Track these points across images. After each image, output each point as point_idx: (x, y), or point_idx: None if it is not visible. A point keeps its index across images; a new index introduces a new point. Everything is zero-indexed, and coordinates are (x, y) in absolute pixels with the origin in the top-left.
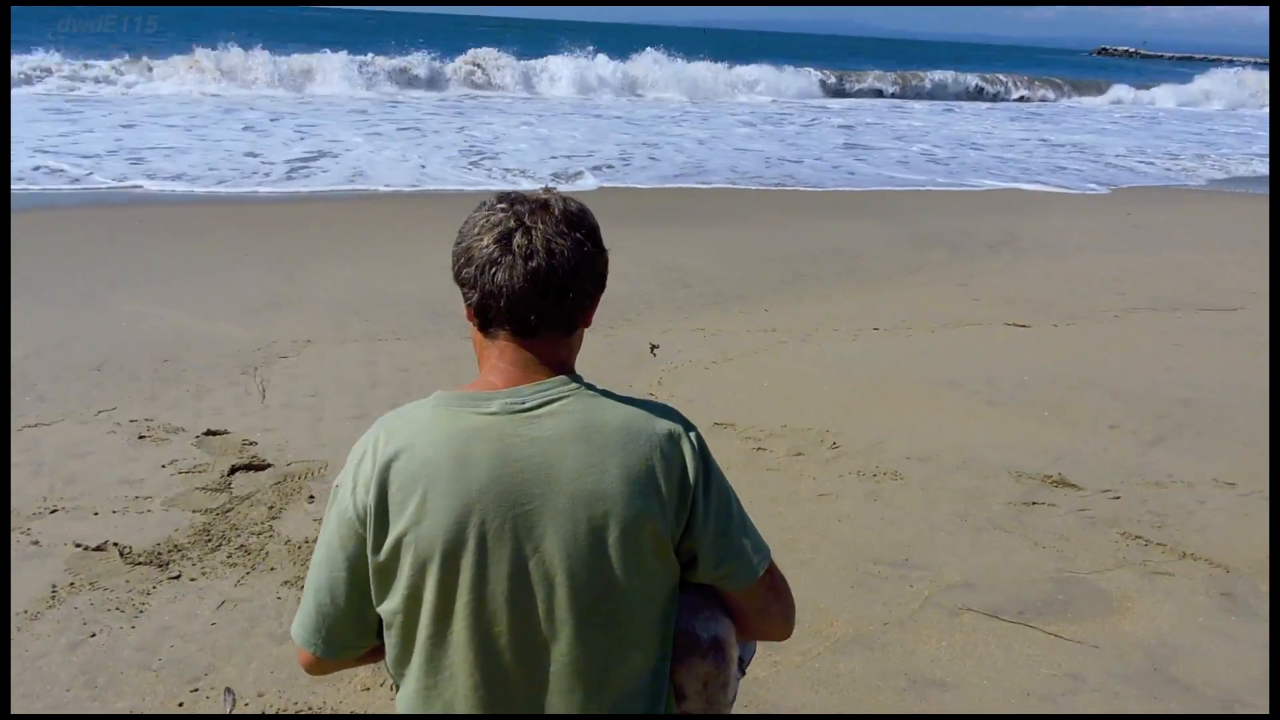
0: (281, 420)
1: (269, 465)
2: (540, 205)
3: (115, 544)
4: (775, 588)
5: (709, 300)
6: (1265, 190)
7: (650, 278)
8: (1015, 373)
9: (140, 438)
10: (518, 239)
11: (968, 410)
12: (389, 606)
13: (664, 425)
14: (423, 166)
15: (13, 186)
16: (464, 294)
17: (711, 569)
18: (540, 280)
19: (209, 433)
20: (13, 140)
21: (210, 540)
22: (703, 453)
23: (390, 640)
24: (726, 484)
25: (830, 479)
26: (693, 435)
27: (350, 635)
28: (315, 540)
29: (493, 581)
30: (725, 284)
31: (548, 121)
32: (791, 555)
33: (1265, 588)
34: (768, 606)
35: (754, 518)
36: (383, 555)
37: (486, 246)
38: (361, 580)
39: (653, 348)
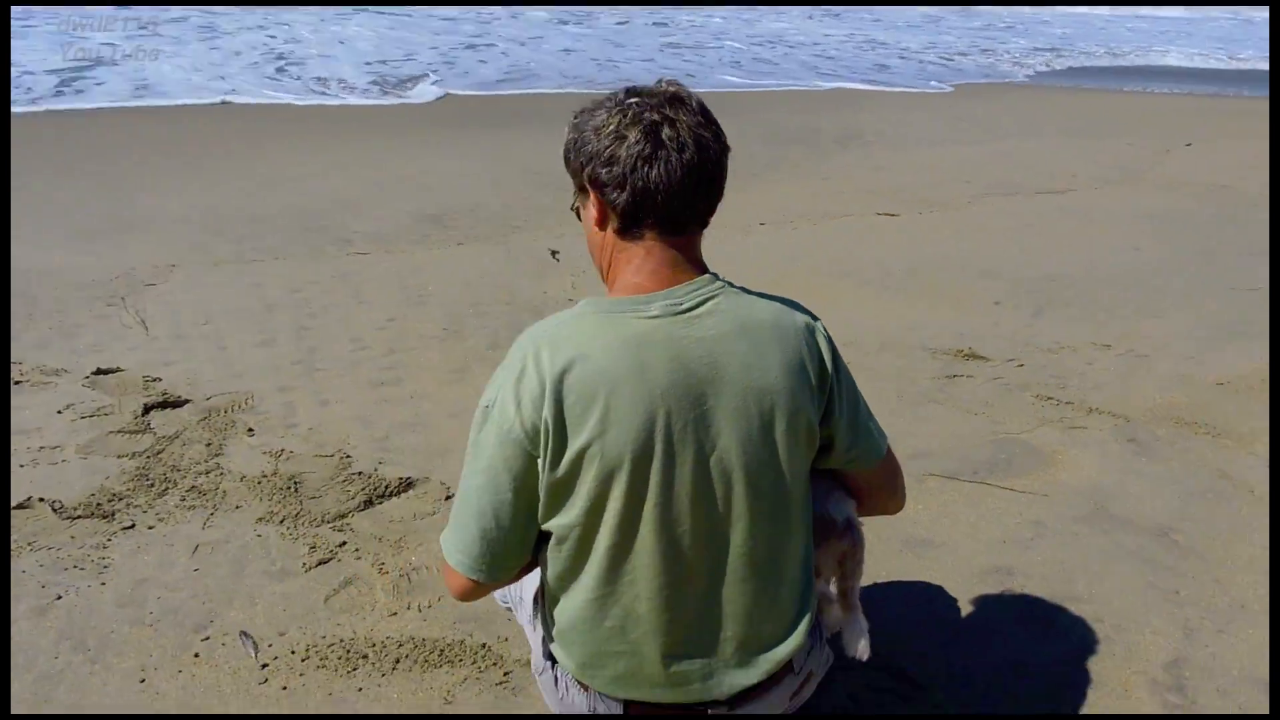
0: (180, 353)
1: (186, 401)
2: (673, 98)
3: (41, 499)
4: (893, 464)
5: None
6: (1070, 83)
7: (522, 183)
8: (900, 259)
9: (15, 383)
10: (666, 132)
11: (869, 296)
12: (564, 520)
13: (801, 318)
14: (222, 78)
15: None
16: (605, 195)
17: (844, 452)
18: (694, 173)
19: (99, 371)
20: None
21: (152, 485)
22: (832, 343)
23: (560, 554)
24: (849, 373)
25: None
26: (821, 326)
27: (514, 556)
28: (273, 474)
29: (679, 483)
30: None
31: (349, 20)
32: None
33: (1161, 432)
34: (888, 482)
35: None
36: (561, 470)
37: (635, 142)
38: (529, 500)
39: (553, 253)
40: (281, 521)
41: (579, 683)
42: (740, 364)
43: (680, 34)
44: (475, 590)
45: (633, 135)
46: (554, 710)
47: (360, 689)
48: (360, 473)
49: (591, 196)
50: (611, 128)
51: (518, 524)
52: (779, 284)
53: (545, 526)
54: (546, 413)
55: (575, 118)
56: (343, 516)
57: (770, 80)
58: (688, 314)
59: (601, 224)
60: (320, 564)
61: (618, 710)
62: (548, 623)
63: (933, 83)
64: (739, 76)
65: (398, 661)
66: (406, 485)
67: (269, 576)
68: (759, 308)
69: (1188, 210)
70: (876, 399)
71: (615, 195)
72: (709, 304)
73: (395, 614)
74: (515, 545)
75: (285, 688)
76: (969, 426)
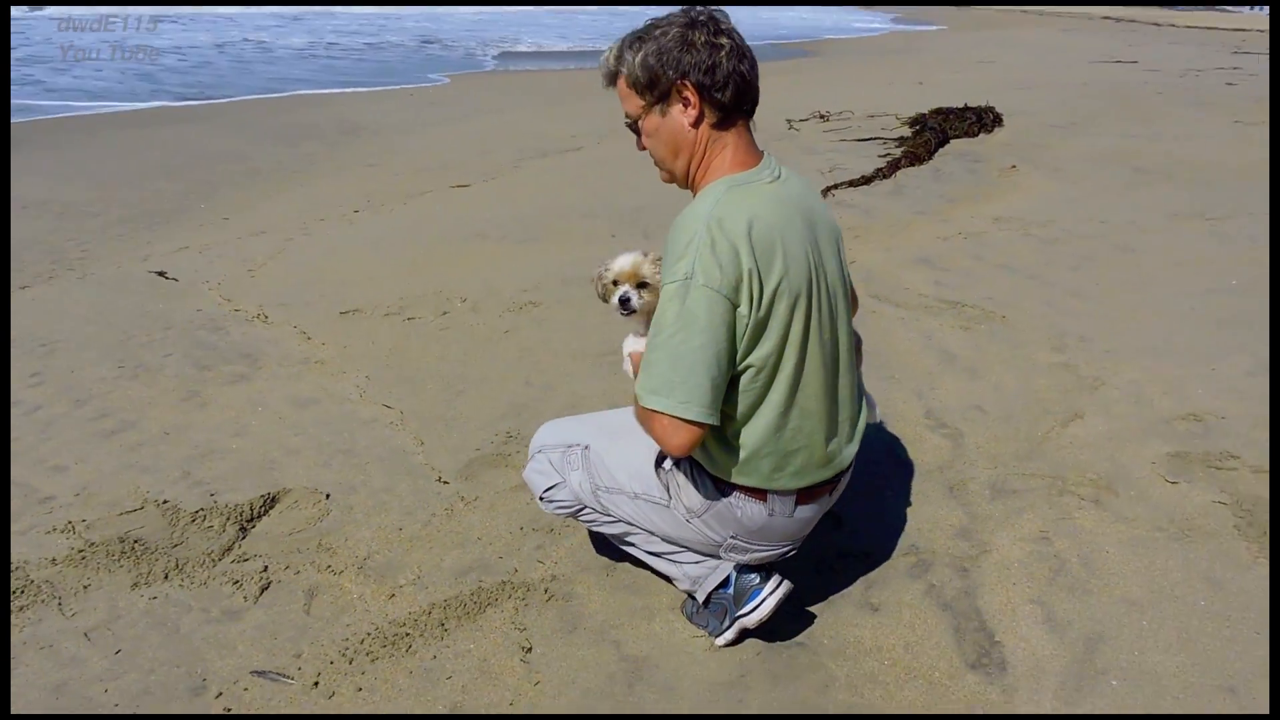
0: None
1: None
2: (717, 11)
3: None
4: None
5: (145, 224)
6: (518, 66)
7: (38, 215)
8: (507, 217)
9: None
10: (736, 39)
11: (510, 250)
12: (763, 351)
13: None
14: None
15: None
16: (710, 94)
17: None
18: (757, 67)
19: None
20: None
21: None
22: None
23: (755, 384)
24: None
25: (494, 320)
26: None
27: (722, 397)
28: (91, 545)
29: (824, 300)
30: (138, 206)
31: None
32: (539, 375)
33: None
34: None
35: (482, 361)
36: (762, 309)
37: (728, 48)
38: (734, 345)
39: (162, 274)
40: (167, 578)
41: (753, 497)
42: (819, 210)
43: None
44: (700, 437)
45: (724, 41)
46: (721, 538)
47: (435, 656)
48: (201, 510)
49: (691, 99)
50: (702, 39)
51: (728, 369)
52: (426, 253)
53: (746, 362)
54: (747, 264)
55: (641, 42)
56: (229, 549)
57: (237, 91)
58: (780, 180)
59: (697, 123)
60: (264, 590)
61: (790, 502)
62: (718, 461)
63: (430, 75)
64: (170, 90)
65: (443, 624)
66: (270, 501)
67: (217, 621)
68: (796, 173)
69: None
70: (591, 322)
71: (720, 93)
72: (784, 170)
73: (393, 596)
74: (724, 387)
75: (360, 689)
76: None
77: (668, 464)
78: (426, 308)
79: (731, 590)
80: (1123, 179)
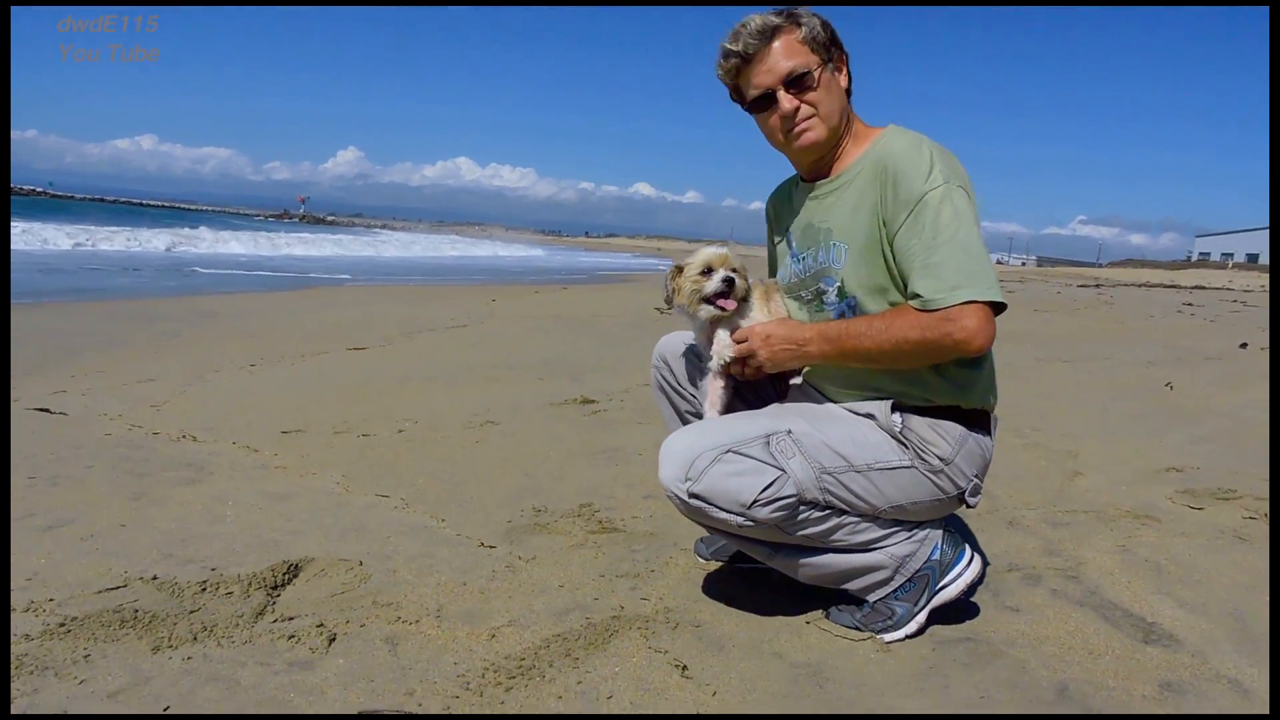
0: None
1: None
2: None
3: None
4: None
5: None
6: (376, 280)
7: None
8: (424, 367)
9: None
10: None
11: (441, 388)
12: None
13: None
14: None
15: None
16: (850, 77)
17: None
18: None
19: None
20: None
21: None
22: None
23: None
24: None
25: (457, 434)
26: None
27: None
28: (82, 616)
29: None
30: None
31: None
32: (538, 469)
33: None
34: None
35: (466, 462)
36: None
37: None
38: None
39: (45, 410)
40: (196, 639)
41: (984, 426)
42: None
43: None
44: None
45: None
46: (968, 482)
47: (579, 681)
48: (207, 581)
49: (846, 73)
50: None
51: None
52: (356, 389)
53: None
54: (964, 175)
55: (814, 20)
56: (263, 612)
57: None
58: None
59: (848, 94)
60: (332, 641)
61: (991, 428)
62: (962, 382)
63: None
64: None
65: (569, 654)
66: (293, 570)
67: (286, 672)
68: None
69: (566, 323)
70: (553, 432)
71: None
72: None
73: (493, 636)
74: None
75: (510, 713)
76: (639, 433)
77: (898, 419)
78: (378, 427)
79: (938, 555)
80: None
